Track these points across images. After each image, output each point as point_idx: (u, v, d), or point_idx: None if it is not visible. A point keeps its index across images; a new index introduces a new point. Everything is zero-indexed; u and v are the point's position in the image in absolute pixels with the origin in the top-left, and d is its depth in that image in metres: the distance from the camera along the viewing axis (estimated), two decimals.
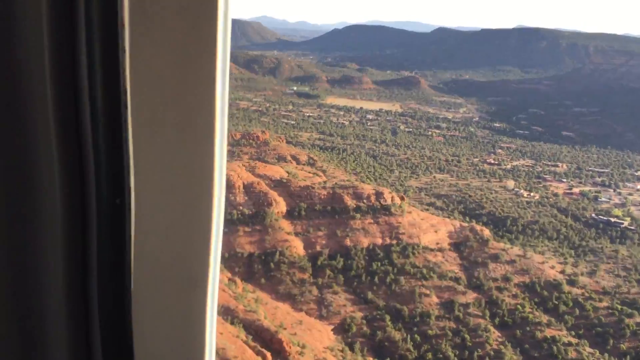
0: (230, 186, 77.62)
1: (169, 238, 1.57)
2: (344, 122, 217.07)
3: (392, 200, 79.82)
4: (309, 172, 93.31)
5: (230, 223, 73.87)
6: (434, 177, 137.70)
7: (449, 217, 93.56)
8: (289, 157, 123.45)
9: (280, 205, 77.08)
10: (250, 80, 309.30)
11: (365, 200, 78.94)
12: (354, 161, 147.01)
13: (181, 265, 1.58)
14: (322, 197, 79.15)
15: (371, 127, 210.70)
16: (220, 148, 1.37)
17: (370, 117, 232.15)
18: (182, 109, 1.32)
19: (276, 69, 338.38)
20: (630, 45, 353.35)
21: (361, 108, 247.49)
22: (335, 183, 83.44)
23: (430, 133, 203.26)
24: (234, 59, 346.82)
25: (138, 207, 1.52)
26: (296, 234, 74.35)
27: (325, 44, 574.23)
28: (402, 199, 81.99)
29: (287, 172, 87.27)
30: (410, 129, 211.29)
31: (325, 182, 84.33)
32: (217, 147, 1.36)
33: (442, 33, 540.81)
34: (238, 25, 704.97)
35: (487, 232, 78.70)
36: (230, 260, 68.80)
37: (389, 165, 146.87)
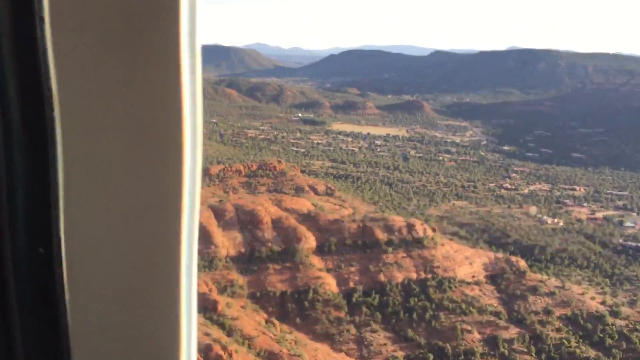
0: (258, 222, 75.99)
1: (119, 305, 1.05)
2: (354, 148, 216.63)
3: (424, 232, 78.13)
4: (334, 204, 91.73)
5: (260, 261, 72.11)
6: (453, 204, 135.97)
7: (474, 247, 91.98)
8: (307, 188, 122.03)
9: (309, 240, 75.26)
10: (255, 108, 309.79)
11: (396, 233, 77.19)
12: (369, 189, 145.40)
13: (139, 346, 1.09)
14: (352, 230, 77.39)
15: (381, 153, 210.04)
16: (190, 172, 0.97)
17: (378, 142, 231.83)
18: (133, 117, 0.94)
19: (279, 96, 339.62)
20: (629, 64, 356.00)
21: (368, 134, 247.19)
22: (365, 215, 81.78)
23: (441, 158, 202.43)
24: (236, 86, 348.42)
25: (70, 258, 1.03)
26: (328, 270, 72.37)
27: (323, 70, 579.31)
28: (433, 230, 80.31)
29: (314, 204, 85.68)
30: (421, 154, 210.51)
31: (353, 214, 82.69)
32: (185, 171, 0.95)
33: (440, 56, 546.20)
34: (234, 53, 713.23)
35: (522, 263, 76.84)
36: (262, 299, 66.82)
37: (405, 193, 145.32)
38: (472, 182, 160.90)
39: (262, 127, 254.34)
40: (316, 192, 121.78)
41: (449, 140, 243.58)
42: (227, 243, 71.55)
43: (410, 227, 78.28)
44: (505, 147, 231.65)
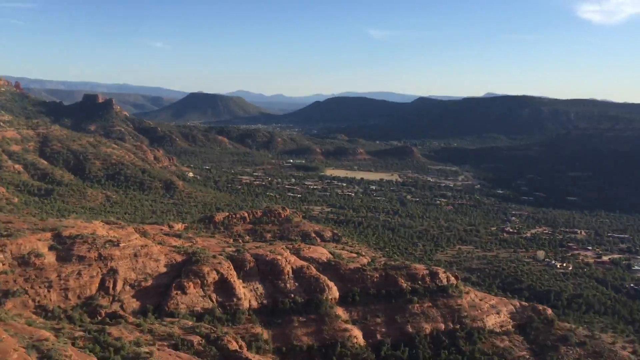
0: (279, 272, 73.40)
1: None
2: (350, 193, 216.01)
3: (447, 280, 76.31)
4: (350, 252, 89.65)
5: (283, 313, 69.20)
6: (459, 249, 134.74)
7: (489, 293, 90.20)
8: (313, 234, 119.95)
9: (332, 290, 72.79)
10: (246, 154, 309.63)
11: (420, 282, 75.24)
12: (373, 234, 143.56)
13: None
14: (375, 279, 75.21)
15: (378, 198, 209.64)
16: None
17: (373, 187, 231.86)
18: None
19: (269, 143, 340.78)
20: (610, 110, 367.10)
21: (362, 179, 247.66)
22: (385, 263, 79.82)
23: (438, 202, 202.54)
24: (226, 134, 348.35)
25: None
26: (354, 322, 69.64)
27: (308, 116, 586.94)
28: (456, 278, 78.52)
29: (331, 252, 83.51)
30: (417, 199, 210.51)
31: (373, 261, 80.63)
32: None
33: (423, 103, 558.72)
34: (220, 100, 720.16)
35: (550, 312, 75.12)
36: (289, 355, 63.62)
37: (409, 237, 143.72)
38: (473, 225, 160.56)
39: (256, 174, 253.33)
40: (323, 239, 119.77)
41: (443, 185, 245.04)
42: (248, 295, 68.65)
43: (434, 275, 76.44)
44: (499, 191, 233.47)
